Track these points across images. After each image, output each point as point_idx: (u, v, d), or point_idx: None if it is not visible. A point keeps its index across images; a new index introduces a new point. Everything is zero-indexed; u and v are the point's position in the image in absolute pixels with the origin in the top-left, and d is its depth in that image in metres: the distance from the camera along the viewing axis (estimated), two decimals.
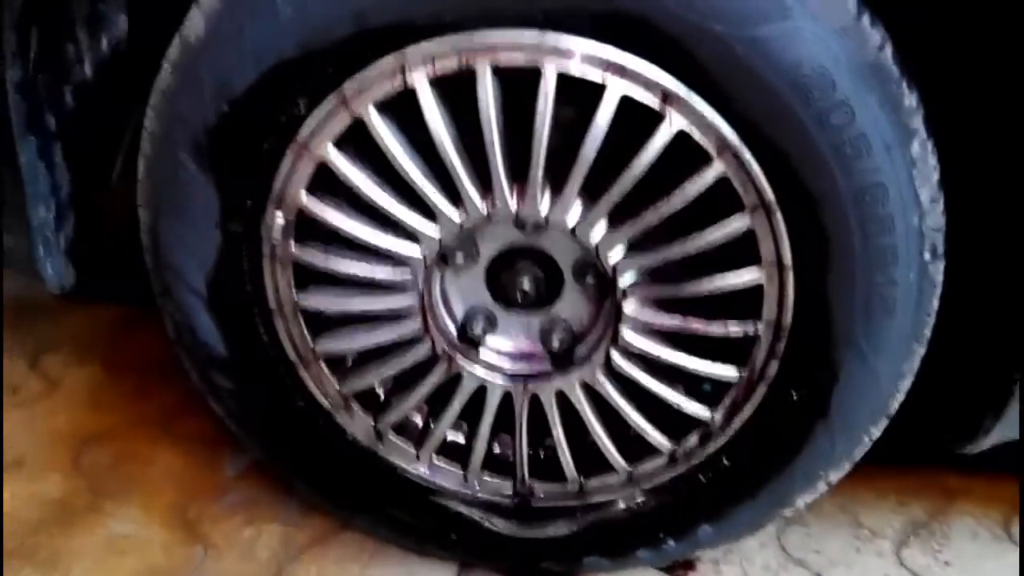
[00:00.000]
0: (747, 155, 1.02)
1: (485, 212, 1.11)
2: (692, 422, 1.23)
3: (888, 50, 0.96)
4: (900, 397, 1.16)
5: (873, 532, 1.51)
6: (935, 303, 1.09)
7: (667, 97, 1.01)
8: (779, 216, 1.05)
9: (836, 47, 0.95)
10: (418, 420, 1.36)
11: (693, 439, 1.25)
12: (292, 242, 1.18)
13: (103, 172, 1.35)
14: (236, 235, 1.18)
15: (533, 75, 1.04)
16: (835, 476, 1.23)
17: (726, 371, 1.18)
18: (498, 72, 1.04)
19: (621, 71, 1.01)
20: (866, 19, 0.95)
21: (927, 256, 1.05)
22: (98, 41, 1.26)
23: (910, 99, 0.98)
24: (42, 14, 1.13)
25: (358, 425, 1.32)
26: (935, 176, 1.02)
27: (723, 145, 1.02)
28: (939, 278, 1.07)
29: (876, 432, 1.19)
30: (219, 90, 1.07)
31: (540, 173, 1.07)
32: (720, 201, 1.06)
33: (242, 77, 1.06)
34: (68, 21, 1.20)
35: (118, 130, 1.35)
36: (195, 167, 1.13)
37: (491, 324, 1.26)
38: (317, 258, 1.19)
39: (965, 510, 1.56)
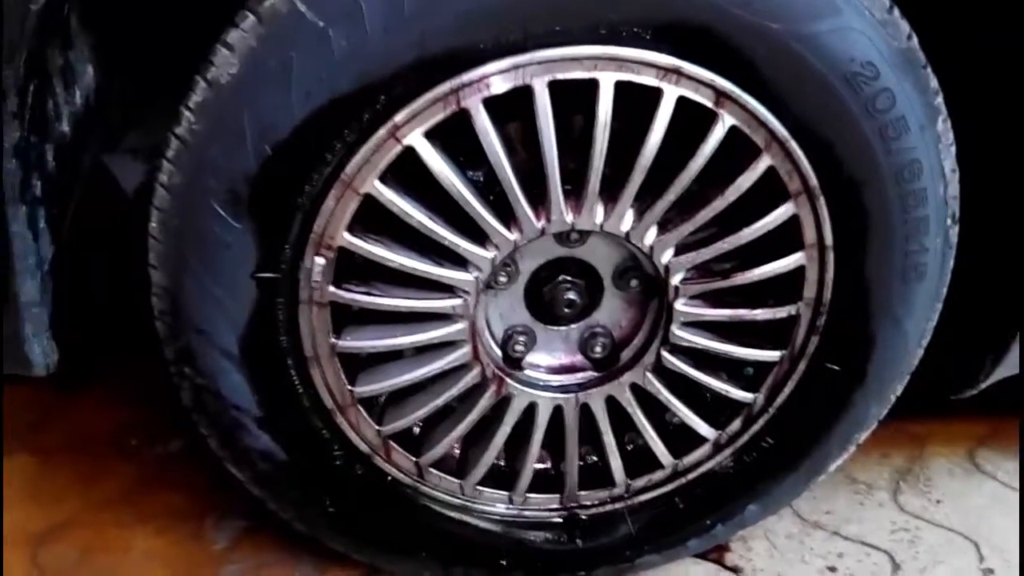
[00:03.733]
0: (794, 145, 1.08)
1: (540, 229, 1.11)
2: (736, 407, 1.29)
3: (915, 38, 1.05)
4: (921, 353, 1.26)
5: (868, 486, 1.63)
6: (951, 264, 1.20)
7: (720, 97, 1.05)
8: (822, 200, 1.12)
9: (878, 38, 1.02)
10: (455, 451, 1.33)
11: (736, 424, 1.30)
12: (331, 284, 1.12)
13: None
14: (272, 284, 1.11)
15: (580, 89, 1.05)
16: (864, 436, 1.33)
17: (769, 352, 1.24)
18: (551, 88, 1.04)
19: (677, 76, 1.04)
20: (896, 11, 1.04)
21: (948, 222, 1.16)
22: (72, 95, 1.15)
23: (933, 81, 1.08)
24: (37, 70, 1.02)
25: (398, 465, 1.28)
26: (953, 149, 1.12)
27: (771, 138, 1.08)
28: (955, 240, 1.18)
29: (900, 389, 1.29)
30: (261, 133, 1.01)
31: (597, 184, 1.08)
32: (763, 190, 1.12)
33: (288, 117, 1.00)
34: (46, 75, 1.09)
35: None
36: (231, 217, 1.05)
37: (532, 340, 1.26)
38: (361, 297, 1.14)
39: (936, 451, 1.72)
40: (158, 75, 1.23)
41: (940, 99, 1.09)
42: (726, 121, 1.06)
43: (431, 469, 1.29)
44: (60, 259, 1.19)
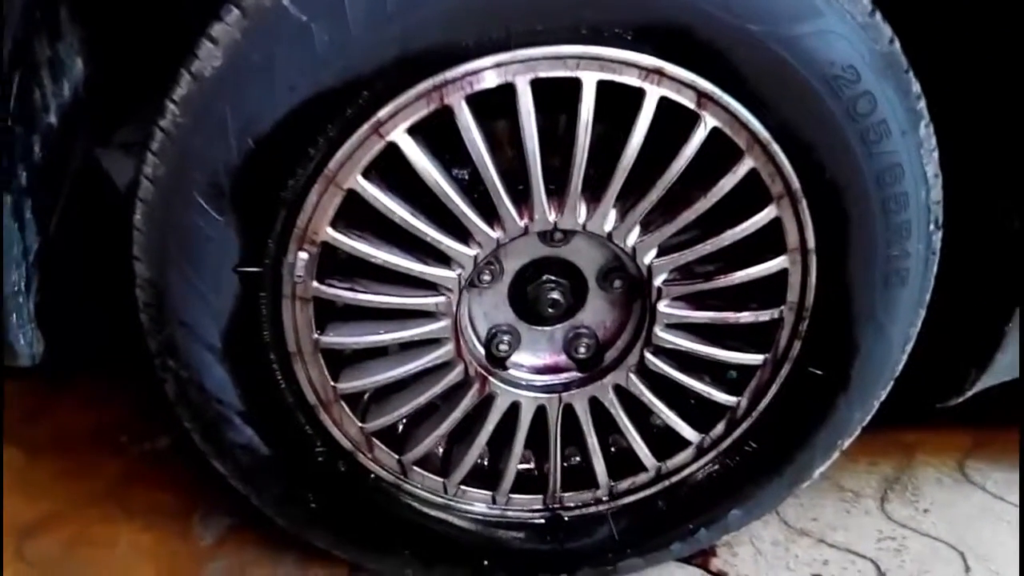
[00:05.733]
0: (776, 147, 1.08)
1: (523, 227, 1.11)
2: (719, 410, 1.28)
3: (897, 42, 1.05)
4: (904, 359, 1.26)
5: (856, 493, 1.63)
6: (935, 270, 1.20)
7: (702, 98, 1.05)
8: (804, 203, 1.12)
9: (859, 42, 1.03)
10: (439, 450, 1.33)
11: (720, 427, 1.30)
12: (314, 279, 1.13)
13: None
14: (255, 279, 1.11)
15: (564, 88, 1.05)
16: (848, 442, 1.32)
17: (753, 356, 1.24)
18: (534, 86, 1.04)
19: (659, 77, 1.04)
20: (878, 14, 1.04)
21: (931, 227, 1.15)
22: (61, 87, 1.16)
23: (916, 86, 1.08)
24: (23, 60, 1.03)
25: (381, 462, 1.28)
26: (935, 154, 1.12)
27: (754, 140, 1.08)
28: (938, 247, 1.18)
29: (884, 395, 1.28)
30: (244, 127, 1.01)
31: (580, 183, 1.08)
32: (745, 193, 1.12)
33: (271, 111, 1.01)
34: (33, 65, 1.10)
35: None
36: (213, 210, 1.06)
37: (516, 340, 1.26)
38: (344, 293, 1.14)
39: (925, 461, 1.71)
40: (149, 69, 1.24)
41: (923, 103, 1.09)
42: (708, 122, 1.07)
43: (414, 467, 1.29)
44: (46, 251, 1.20)
